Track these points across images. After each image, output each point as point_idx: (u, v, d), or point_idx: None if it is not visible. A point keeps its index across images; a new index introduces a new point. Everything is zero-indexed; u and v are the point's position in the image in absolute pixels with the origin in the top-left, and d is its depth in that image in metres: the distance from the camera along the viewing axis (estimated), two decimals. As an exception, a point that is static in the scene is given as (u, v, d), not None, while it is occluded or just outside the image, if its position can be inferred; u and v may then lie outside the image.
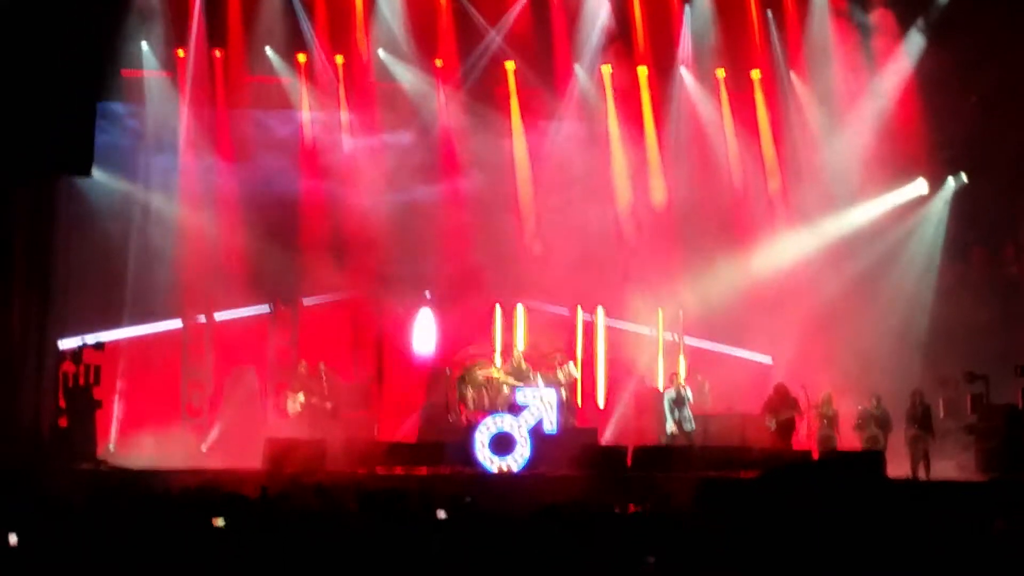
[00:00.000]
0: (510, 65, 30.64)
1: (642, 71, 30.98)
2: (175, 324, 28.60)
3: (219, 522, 12.54)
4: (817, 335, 28.27)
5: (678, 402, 26.35)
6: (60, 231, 25.88)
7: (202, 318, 28.62)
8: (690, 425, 26.23)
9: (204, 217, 29.15)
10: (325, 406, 25.74)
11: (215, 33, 29.72)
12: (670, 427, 26.25)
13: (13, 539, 11.17)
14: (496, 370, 27.42)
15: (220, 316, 28.58)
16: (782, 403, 26.08)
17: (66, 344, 25.12)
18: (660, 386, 28.52)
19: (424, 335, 29.20)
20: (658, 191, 30.67)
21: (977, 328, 28.06)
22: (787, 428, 25.98)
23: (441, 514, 13.69)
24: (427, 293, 29.25)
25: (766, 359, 29.01)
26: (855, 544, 10.06)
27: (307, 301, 29.09)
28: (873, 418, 25.87)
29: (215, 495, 15.10)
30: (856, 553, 10.00)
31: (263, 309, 28.79)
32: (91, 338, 25.09)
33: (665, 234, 30.29)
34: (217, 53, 29.79)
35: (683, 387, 26.68)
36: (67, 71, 24.05)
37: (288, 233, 29.17)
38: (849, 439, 26.13)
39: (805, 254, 29.79)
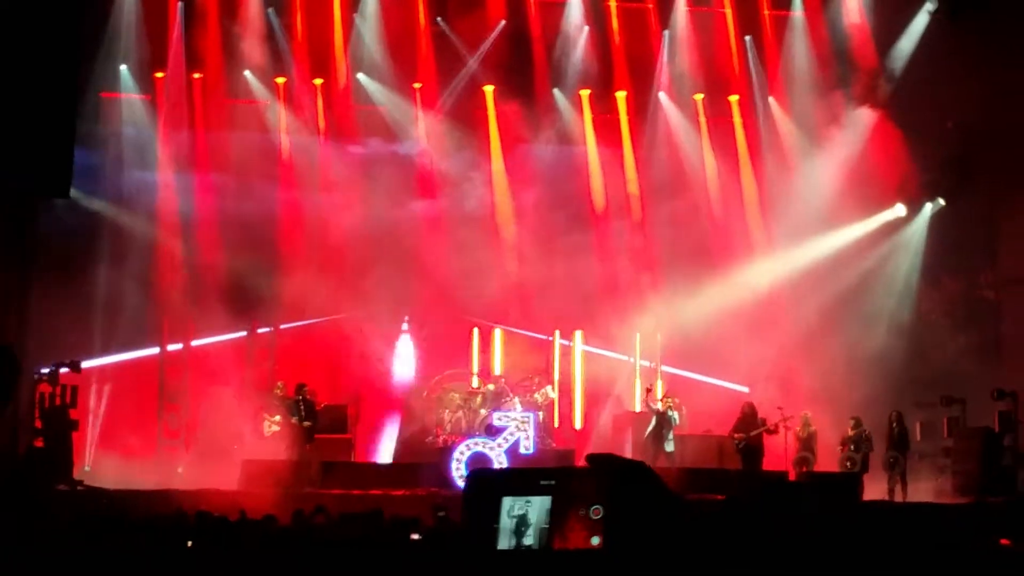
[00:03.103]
0: (489, 88, 30.70)
1: (621, 95, 31.07)
2: (152, 351, 28.51)
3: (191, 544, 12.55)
4: (795, 358, 28.31)
5: (663, 423, 26.24)
6: (35, 252, 25.83)
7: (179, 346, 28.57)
8: (671, 447, 26.23)
9: (182, 239, 29.14)
10: (302, 427, 25.69)
11: (194, 56, 29.73)
12: (670, 446, 26.09)
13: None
14: (472, 392, 27.45)
15: (198, 343, 28.51)
16: (750, 422, 26.09)
17: (43, 365, 25.01)
18: (637, 409, 28.52)
19: (403, 362, 29.17)
20: (636, 215, 30.72)
21: (954, 351, 28.17)
22: (755, 447, 25.97)
23: (415, 536, 13.70)
24: (406, 321, 29.21)
25: (744, 389, 28.88)
26: (828, 566, 10.06)
27: (284, 326, 29.05)
28: (851, 440, 25.91)
29: (192, 517, 15.07)
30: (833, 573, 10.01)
31: (240, 334, 28.72)
32: (67, 360, 24.96)
33: (643, 257, 30.35)
34: (196, 75, 29.79)
35: (670, 409, 26.65)
36: (45, 93, 24.03)
37: (267, 256, 29.11)
38: (826, 461, 26.16)
39: (783, 278, 29.84)
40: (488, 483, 9.87)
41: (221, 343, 28.54)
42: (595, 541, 9.09)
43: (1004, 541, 13.07)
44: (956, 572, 10.85)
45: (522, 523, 9.59)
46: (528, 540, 9.40)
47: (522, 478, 9.90)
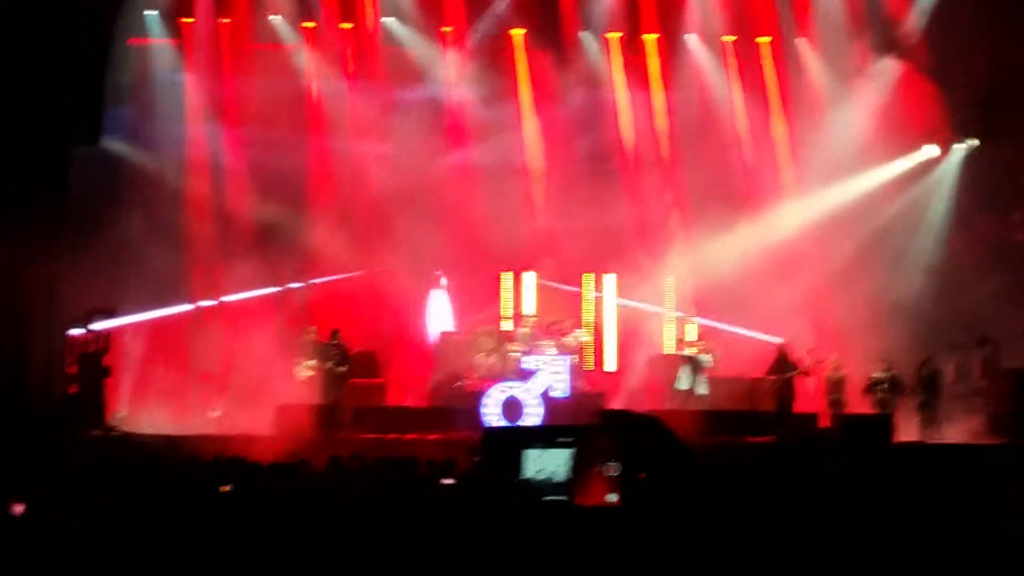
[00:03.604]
0: (517, 32, 30.56)
1: (650, 38, 30.89)
2: (184, 307, 28.57)
3: (226, 488, 12.57)
4: (826, 300, 28.24)
5: (693, 366, 26.36)
6: (69, 202, 25.88)
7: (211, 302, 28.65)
8: (704, 389, 26.27)
9: (212, 189, 29.15)
10: (336, 372, 25.76)
11: (221, 1, 29.66)
12: (677, 389, 26.23)
13: (19, 508, 11.20)
14: (504, 336, 27.49)
15: (229, 299, 28.58)
16: (783, 365, 26.13)
17: (76, 313, 25.11)
18: (671, 352, 28.57)
19: (437, 315, 29.15)
20: (666, 158, 30.62)
21: (986, 293, 28.03)
22: (786, 389, 26.02)
23: (447, 481, 13.71)
24: (441, 276, 29.18)
25: (777, 339, 28.79)
26: (860, 509, 10.03)
27: (315, 280, 29.08)
28: (883, 383, 25.89)
29: (226, 461, 15.13)
30: (861, 517, 9.97)
31: (272, 289, 28.73)
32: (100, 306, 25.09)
33: (673, 202, 30.27)
34: (224, 20, 29.73)
35: (701, 351, 26.66)
36: (75, 40, 24.06)
37: (297, 206, 29.12)
38: (858, 403, 26.16)
39: (813, 220, 29.68)
40: (504, 439, 9.91)
41: (251, 298, 28.55)
42: (612, 498, 9.09)
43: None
44: (989, 511, 10.82)
45: (545, 476, 9.64)
46: (552, 494, 9.44)
47: (538, 436, 9.93)
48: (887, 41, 29.96)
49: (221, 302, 28.47)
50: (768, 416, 25.53)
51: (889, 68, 29.83)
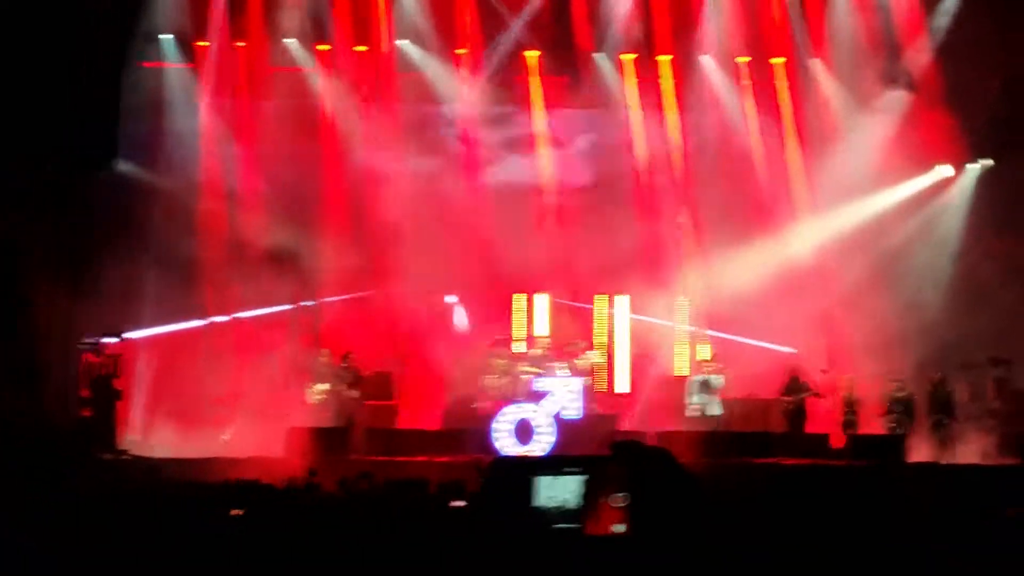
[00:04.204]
0: (532, 54, 30.65)
1: (664, 59, 30.94)
2: (197, 323, 28.64)
3: (238, 512, 12.58)
4: (839, 321, 28.23)
5: (705, 387, 26.35)
6: (86, 224, 25.97)
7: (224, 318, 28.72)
8: (719, 410, 26.25)
9: (227, 211, 29.21)
10: (349, 395, 25.79)
11: (237, 25, 29.77)
12: (692, 410, 26.24)
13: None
14: (517, 358, 27.49)
15: (242, 315, 28.65)
16: (795, 386, 26.12)
17: (88, 335, 25.19)
18: (685, 373, 28.57)
19: (448, 332, 29.17)
20: (680, 179, 30.64)
21: (1001, 312, 27.99)
22: (799, 411, 25.99)
23: (456, 503, 13.71)
24: (455, 300, 29.22)
25: (791, 351, 28.83)
26: (872, 528, 10.06)
27: (328, 299, 29.14)
28: (897, 403, 25.85)
29: (236, 484, 15.16)
30: (873, 536, 10.00)
31: (284, 307, 28.79)
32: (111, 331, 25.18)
33: (687, 223, 30.28)
34: (239, 44, 29.85)
35: (714, 372, 26.65)
36: (90, 64, 24.17)
37: (311, 227, 29.17)
38: (871, 424, 26.13)
39: (828, 240, 29.69)
40: (515, 467, 9.94)
41: (265, 316, 28.63)
42: (620, 528, 9.14)
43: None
44: (1000, 533, 10.84)
45: (556, 504, 9.68)
46: (563, 522, 9.49)
47: (549, 464, 9.97)
48: (899, 70, 29.96)
49: (234, 319, 28.53)
50: (781, 437, 25.50)
51: (901, 98, 29.83)
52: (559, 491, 9.84)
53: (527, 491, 9.94)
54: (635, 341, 29.52)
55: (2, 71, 24.25)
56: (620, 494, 9.18)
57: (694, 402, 26.30)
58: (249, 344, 28.24)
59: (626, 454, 9.44)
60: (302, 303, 28.94)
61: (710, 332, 29.21)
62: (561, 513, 9.85)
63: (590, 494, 9.41)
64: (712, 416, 26.16)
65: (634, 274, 29.32)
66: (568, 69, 30.78)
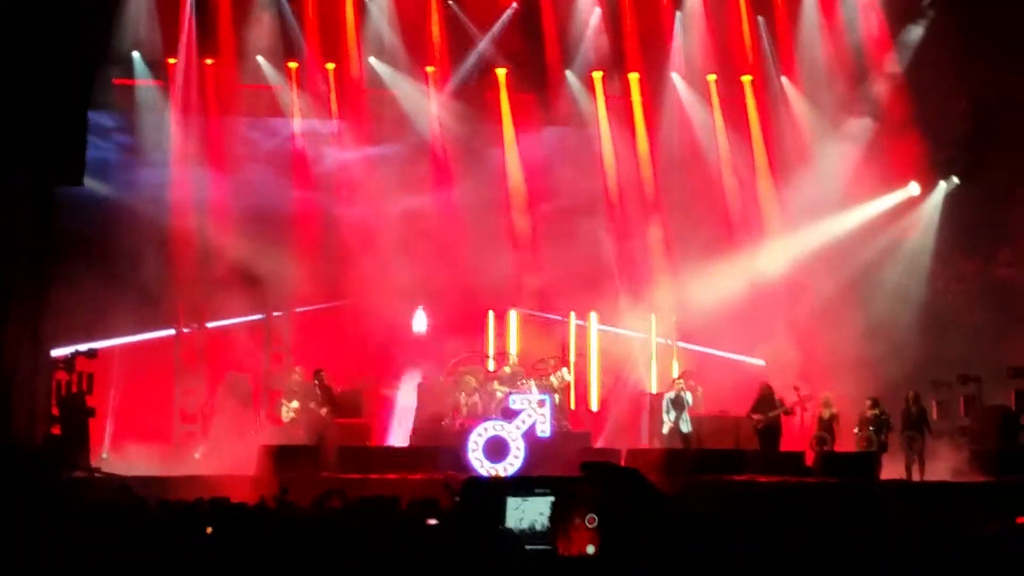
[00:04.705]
0: (501, 71, 30.67)
1: (633, 77, 31.01)
2: (168, 332, 28.57)
3: (210, 530, 12.51)
4: (811, 338, 28.27)
5: (677, 404, 26.33)
6: (54, 241, 25.81)
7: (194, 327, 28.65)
8: (687, 427, 26.22)
9: (196, 226, 29.10)
10: (320, 413, 25.73)
11: (206, 42, 29.73)
12: (666, 427, 26.23)
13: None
14: (488, 375, 27.45)
15: (213, 325, 28.58)
16: (767, 403, 26.10)
17: (59, 352, 25.04)
18: (653, 390, 28.56)
19: (418, 348, 29.13)
20: (650, 196, 30.67)
21: (970, 330, 28.11)
22: (773, 428, 25.97)
23: (431, 521, 13.66)
24: (420, 308, 29.17)
25: (759, 363, 28.95)
26: (846, 546, 10.04)
27: (300, 309, 29.09)
28: (869, 421, 25.86)
29: (209, 502, 15.07)
30: (847, 554, 9.98)
31: (256, 317, 28.76)
32: (84, 346, 24.99)
33: (658, 238, 30.32)
34: (208, 61, 29.80)
35: (683, 390, 26.63)
36: (58, 81, 24.04)
37: (281, 242, 29.10)
38: (845, 441, 26.14)
39: (798, 257, 29.77)
40: (486, 488, 9.94)
41: (236, 327, 28.58)
42: (590, 550, 9.16)
43: (1021, 520, 13.04)
44: (973, 551, 10.83)
45: (527, 524, 9.69)
46: (535, 543, 9.50)
47: (519, 485, 9.98)
48: (866, 94, 30.09)
49: (204, 332, 28.47)
50: (755, 455, 25.49)
51: (867, 126, 29.96)
52: (531, 512, 9.84)
53: (499, 512, 9.92)
54: (606, 358, 29.52)
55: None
56: (591, 515, 9.21)
57: (670, 419, 26.27)
58: (220, 359, 28.18)
59: (597, 475, 9.45)
60: (273, 314, 28.90)
61: (682, 344, 29.25)
62: (533, 534, 9.84)
63: (562, 515, 9.43)
64: (683, 433, 26.13)
65: (606, 290, 29.35)
66: (538, 86, 30.84)
